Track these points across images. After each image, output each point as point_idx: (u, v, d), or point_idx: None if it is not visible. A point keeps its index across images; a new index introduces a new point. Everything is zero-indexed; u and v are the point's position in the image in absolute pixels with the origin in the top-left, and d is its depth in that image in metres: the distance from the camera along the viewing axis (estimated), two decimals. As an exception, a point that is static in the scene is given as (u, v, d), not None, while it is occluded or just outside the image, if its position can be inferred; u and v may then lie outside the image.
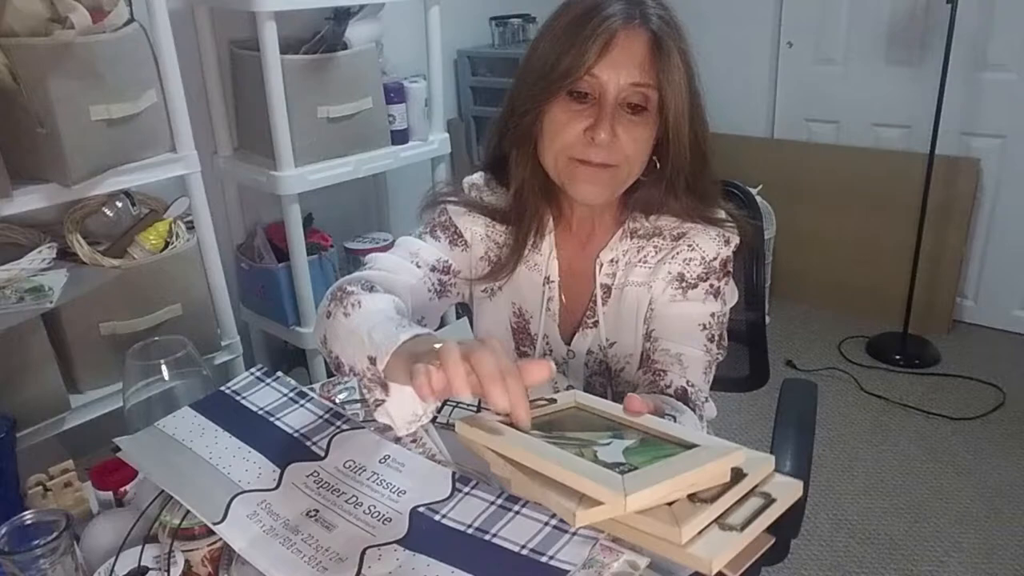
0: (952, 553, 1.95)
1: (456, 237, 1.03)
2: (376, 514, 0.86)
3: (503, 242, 1.02)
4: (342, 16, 1.96)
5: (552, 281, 1.01)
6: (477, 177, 1.05)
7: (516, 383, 0.63)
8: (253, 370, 1.11)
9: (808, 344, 2.85)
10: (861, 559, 1.94)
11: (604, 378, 1.00)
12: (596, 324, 0.99)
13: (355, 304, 0.84)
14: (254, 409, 1.04)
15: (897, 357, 2.77)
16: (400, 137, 2.16)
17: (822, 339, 2.91)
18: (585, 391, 0.99)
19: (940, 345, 2.82)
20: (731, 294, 1.00)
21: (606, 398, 0.97)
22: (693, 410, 0.88)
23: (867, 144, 3.00)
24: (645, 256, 0.97)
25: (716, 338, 0.95)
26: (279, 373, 1.12)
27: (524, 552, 0.80)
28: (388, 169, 2.17)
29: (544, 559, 0.79)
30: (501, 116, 0.98)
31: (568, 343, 1.01)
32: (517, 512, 0.86)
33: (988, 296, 2.94)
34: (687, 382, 0.91)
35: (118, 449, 0.97)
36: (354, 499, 0.88)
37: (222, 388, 1.08)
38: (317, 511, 0.87)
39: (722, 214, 0.97)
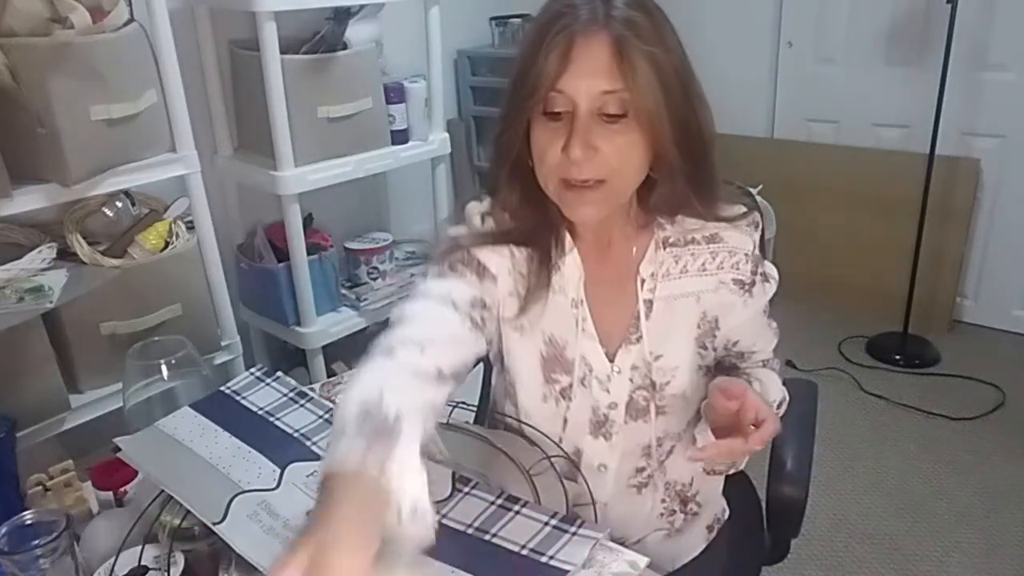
0: (952, 553, 1.95)
1: (482, 270, 0.94)
2: None
3: (528, 270, 0.96)
4: (342, 16, 1.96)
5: (581, 302, 0.96)
6: (486, 205, 0.98)
7: None
8: (253, 370, 1.12)
9: (808, 344, 2.85)
10: (861, 559, 1.94)
11: (648, 392, 0.97)
12: (640, 339, 0.96)
13: (348, 387, 0.77)
14: (254, 409, 1.04)
15: (897, 357, 2.77)
16: (400, 137, 2.16)
17: (822, 339, 2.91)
18: (628, 406, 0.98)
19: (940, 345, 2.82)
20: (772, 270, 1.02)
21: (648, 412, 0.98)
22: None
23: (867, 144, 3.00)
24: (685, 265, 0.95)
25: (770, 314, 1.04)
26: (279, 373, 1.12)
27: (524, 552, 0.80)
28: (388, 169, 2.17)
29: (544, 559, 0.79)
30: (493, 135, 0.94)
31: (612, 360, 0.97)
32: (517, 512, 0.86)
33: (988, 296, 2.94)
34: (762, 363, 1.05)
35: (118, 449, 0.97)
36: None
37: (222, 388, 1.08)
38: (317, 511, 0.87)
39: (734, 209, 0.96)
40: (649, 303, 0.96)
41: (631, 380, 0.97)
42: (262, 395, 1.07)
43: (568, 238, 0.96)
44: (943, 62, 2.47)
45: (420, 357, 0.79)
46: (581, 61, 0.80)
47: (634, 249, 0.96)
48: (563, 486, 0.95)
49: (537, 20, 0.85)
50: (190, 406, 1.04)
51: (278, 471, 0.92)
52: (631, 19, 0.80)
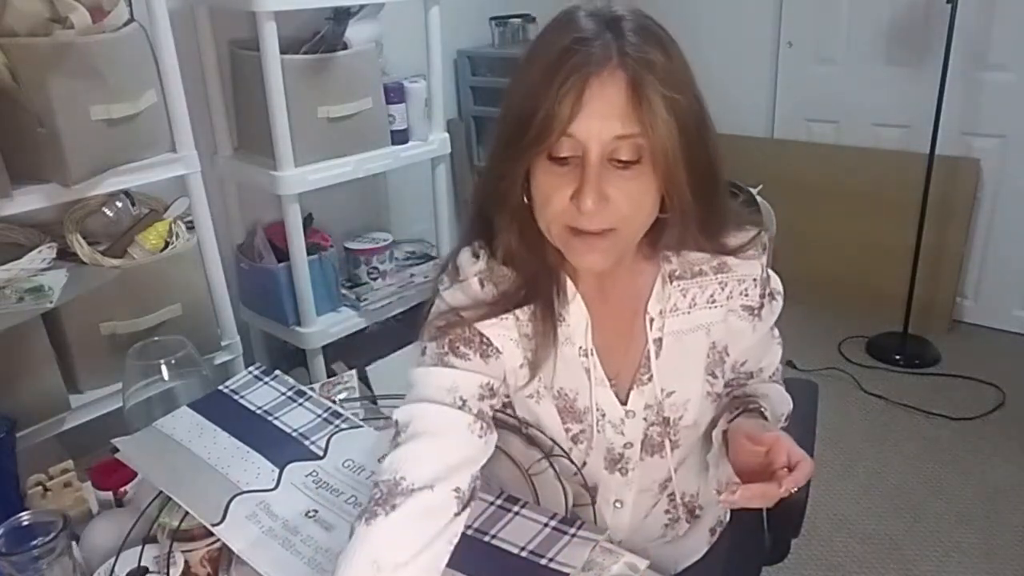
0: (952, 553, 1.95)
1: (486, 348, 0.88)
2: None
3: (533, 331, 0.90)
4: (342, 16, 1.96)
5: (590, 351, 0.92)
6: (482, 264, 0.90)
7: None
8: (251, 369, 1.12)
9: (808, 344, 2.85)
10: (861, 559, 1.94)
11: (662, 427, 0.96)
12: (651, 379, 0.93)
13: (352, 534, 0.75)
14: (252, 408, 1.04)
15: (897, 357, 2.76)
16: (400, 137, 2.15)
17: (822, 339, 2.91)
18: (643, 443, 0.97)
19: (940, 345, 2.82)
20: (779, 284, 1.01)
21: (664, 447, 0.97)
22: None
23: (867, 144, 3.00)
24: (693, 298, 0.92)
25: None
26: (277, 372, 1.12)
27: (524, 554, 0.80)
28: (388, 169, 2.17)
29: (544, 561, 0.78)
30: (484, 173, 0.87)
31: (624, 403, 0.94)
32: (517, 513, 0.86)
33: (988, 296, 2.94)
34: (769, 376, 1.06)
35: (117, 449, 0.97)
36: (353, 499, 0.88)
37: (220, 387, 1.08)
38: (316, 511, 0.87)
39: (741, 236, 0.92)
40: (659, 341, 0.92)
41: (645, 419, 0.95)
42: (260, 394, 1.07)
43: (570, 284, 0.91)
44: (943, 62, 2.47)
45: (432, 496, 0.76)
46: (595, 104, 0.74)
47: (640, 284, 0.92)
48: (563, 486, 0.95)
49: (543, 53, 0.77)
50: (188, 406, 1.04)
51: (277, 471, 0.92)
52: (647, 57, 0.74)
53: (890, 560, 1.93)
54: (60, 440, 1.55)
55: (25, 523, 0.83)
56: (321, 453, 0.96)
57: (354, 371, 1.21)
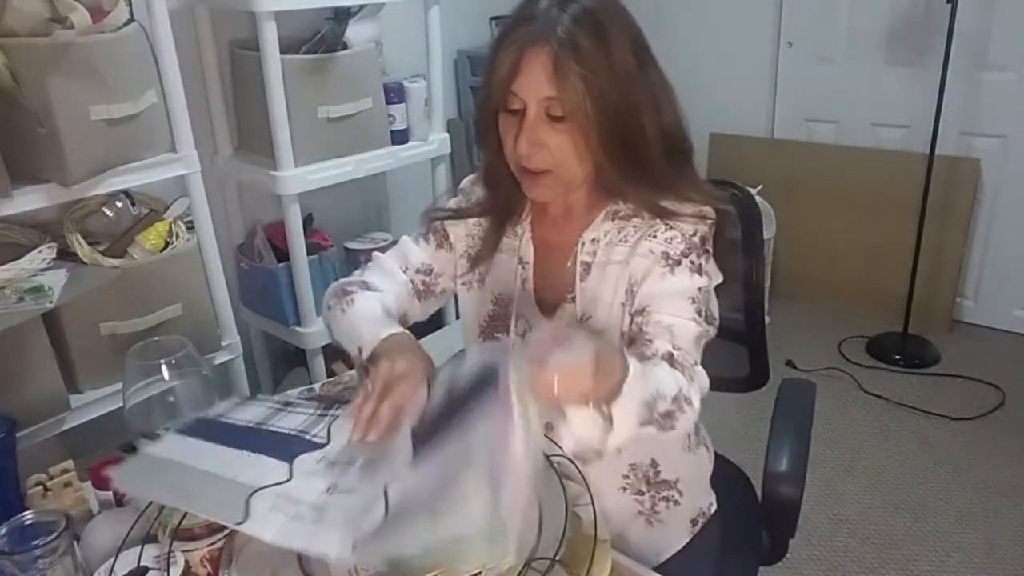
0: (952, 553, 1.95)
1: (443, 240, 1.15)
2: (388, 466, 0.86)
3: (484, 234, 1.11)
4: (342, 16, 1.96)
5: (526, 262, 1.07)
6: (472, 177, 1.15)
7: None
8: (234, 397, 1.10)
9: (808, 344, 2.85)
10: (861, 559, 1.94)
11: None
12: (575, 299, 1.04)
13: (350, 302, 1.03)
14: (242, 424, 1.02)
15: (897, 357, 2.77)
16: (400, 137, 2.16)
17: (822, 339, 2.91)
18: None
19: (940, 345, 2.82)
20: (715, 272, 1.00)
21: None
22: (681, 372, 0.88)
23: (867, 144, 3.00)
24: (625, 236, 1.02)
25: (704, 312, 0.96)
26: (259, 396, 1.11)
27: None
28: (388, 169, 2.18)
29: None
30: (475, 115, 1.07)
31: (549, 319, 1.06)
32: None
33: (988, 296, 2.94)
34: (673, 346, 0.91)
35: (118, 449, 0.96)
36: (367, 463, 0.88)
37: (202, 415, 1.03)
38: (335, 484, 0.87)
39: (679, 207, 0.99)
40: (587, 266, 1.03)
41: None
42: (247, 412, 1.03)
43: (527, 207, 1.09)
44: (943, 62, 2.47)
45: (382, 295, 1.07)
46: (528, 70, 0.91)
47: (587, 219, 1.04)
48: (562, 486, 0.95)
49: (503, 25, 0.96)
50: (175, 431, 1.00)
51: (286, 465, 0.91)
52: (573, 38, 0.89)
53: (890, 560, 1.94)
54: (60, 440, 1.55)
55: (27, 522, 0.83)
56: (324, 441, 0.95)
57: (354, 371, 1.21)
